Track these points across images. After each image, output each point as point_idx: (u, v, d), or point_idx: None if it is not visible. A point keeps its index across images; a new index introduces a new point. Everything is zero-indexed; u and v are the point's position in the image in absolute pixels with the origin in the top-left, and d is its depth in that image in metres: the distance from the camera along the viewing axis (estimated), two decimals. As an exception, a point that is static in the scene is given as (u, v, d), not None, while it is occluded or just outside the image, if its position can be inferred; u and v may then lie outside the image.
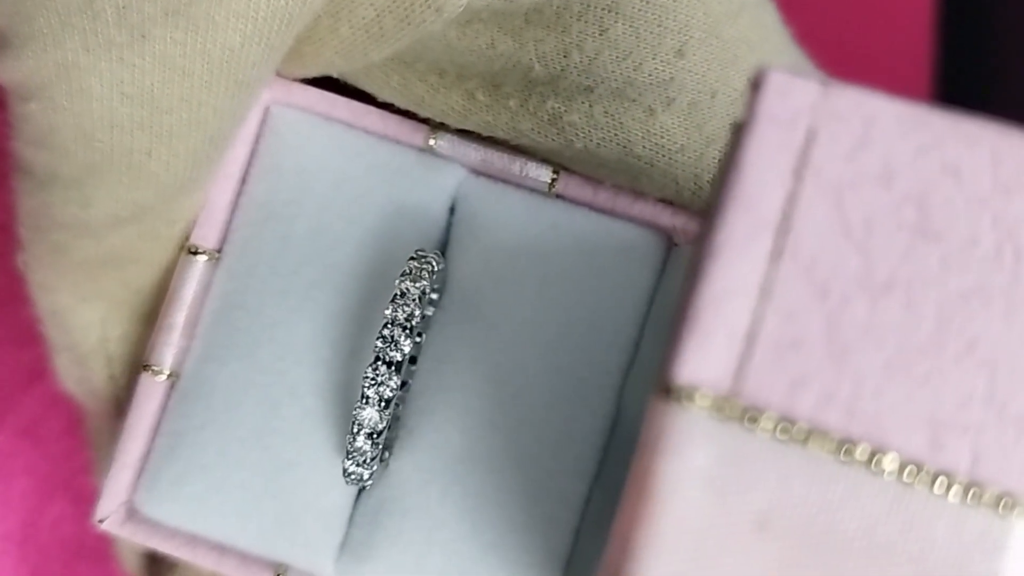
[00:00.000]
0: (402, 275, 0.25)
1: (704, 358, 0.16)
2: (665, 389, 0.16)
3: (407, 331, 0.24)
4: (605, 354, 0.26)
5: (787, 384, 0.16)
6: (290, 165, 0.27)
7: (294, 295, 0.26)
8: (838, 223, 0.16)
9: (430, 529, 0.26)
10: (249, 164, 0.27)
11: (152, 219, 0.26)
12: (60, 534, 0.33)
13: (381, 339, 0.24)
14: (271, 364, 0.26)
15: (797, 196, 0.16)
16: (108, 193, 0.25)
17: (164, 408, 0.27)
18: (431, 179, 0.27)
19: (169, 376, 0.27)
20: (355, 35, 0.25)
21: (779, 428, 0.16)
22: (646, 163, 0.26)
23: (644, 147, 0.25)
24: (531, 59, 0.25)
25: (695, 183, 0.26)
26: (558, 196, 0.27)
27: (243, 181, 0.27)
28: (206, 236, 0.27)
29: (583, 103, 0.25)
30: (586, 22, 0.25)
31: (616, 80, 0.25)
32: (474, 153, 0.27)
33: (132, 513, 0.27)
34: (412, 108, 0.27)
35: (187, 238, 0.27)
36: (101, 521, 0.27)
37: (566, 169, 0.27)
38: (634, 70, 0.25)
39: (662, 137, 0.25)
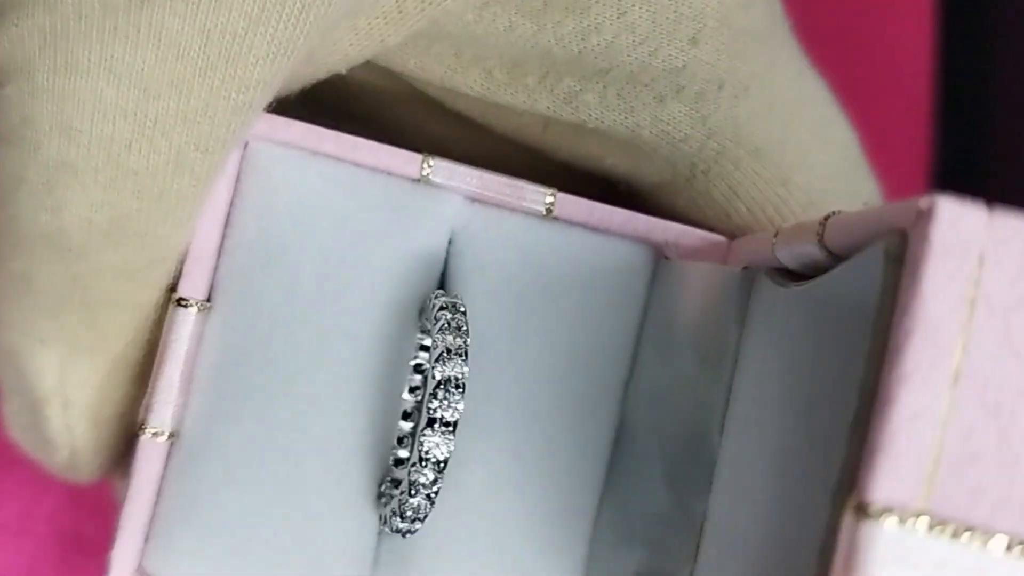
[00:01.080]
0: (440, 329, 0.24)
1: (896, 479, 0.17)
2: (858, 507, 0.17)
3: (461, 390, 0.24)
4: (606, 369, 0.27)
5: (966, 495, 0.17)
6: (283, 206, 0.26)
7: (307, 346, 0.25)
8: (1006, 344, 0.17)
9: (459, 561, 0.26)
10: (232, 206, 0.26)
11: (130, 244, 0.24)
12: (57, 526, 0.32)
13: (434, 399, 0.24)
14: (291, 419, 0.25)
15: (971, 321, 0.17)
16: (82, 195, 0.23)
17: (167, 469, 0.26)
18: (429, 210, 0.26)
19: (170, 436, 0.26)
20: (373, 24, 0.24)
21: (961, 535, 0.17)
22: (650, 148, 0.26)
23: (651, 132, 0.26)
24: (550, 41, 0.25)
25: (690, 171, 0.26)
26: (554, 218, 0.27)
27: (228, 224, 0.26)
28: (195, 286, 0.26)
29: (598, 84, 0.25)
30: (605, 5, 0.25)
31: (631, 64, 0.25)
32: (469, 179, 0.27)
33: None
34: (430, 91, 0.27)
35: (167, 287, 0.25)
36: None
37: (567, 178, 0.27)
38: (649, 55, 0.25)
39: (668, 124, 0.26)
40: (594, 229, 0.27)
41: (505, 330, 0.27)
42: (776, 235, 0.24)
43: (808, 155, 0.27)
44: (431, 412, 0.24)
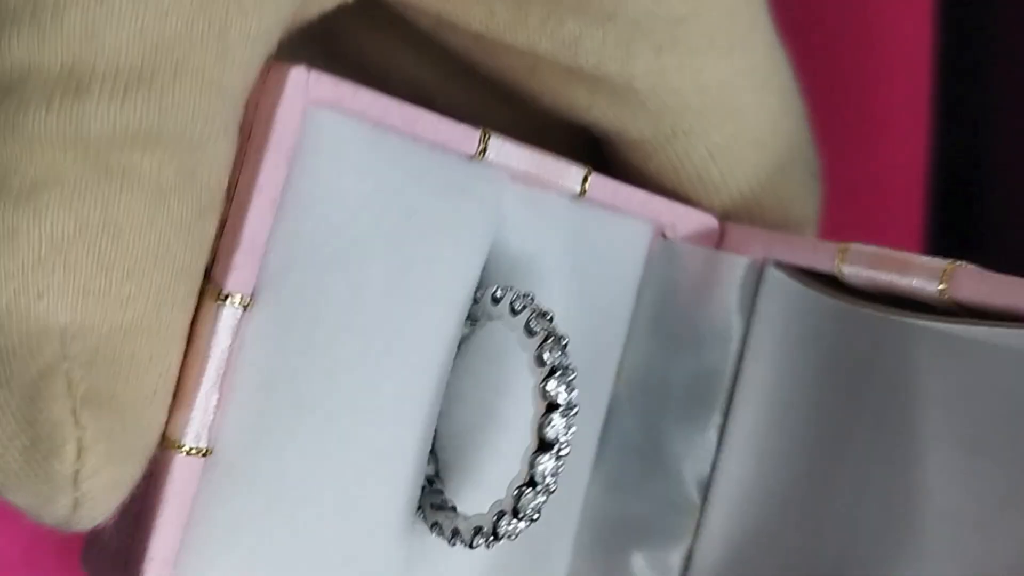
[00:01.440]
0: (543, 343, 0.23)
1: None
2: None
3: (577, 408, 0.23)
4: (604, 345, 0.27)
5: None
6: (349, 190, 0.22)
7: (375, 354, 0.23)
8: None
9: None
10: (289, 186, 0.22)
11: (156, 105, 0.20)
12: None
13: (565, 427, 0.22)
14: (354, 431, 0.23)
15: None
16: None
17: (200, 492, 0.22)
18: (486, 195, 0.24)
19: (205, 453, 0.22)
20: None
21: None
22: (639, 101, 0.26)
23: (643, 83, 0.26)
24: None
25: (671, 130, 0.27)
26: (584, 197, 0.26)
27: (281, 208, 0.22)
28: (242, 280, 0.22)
29: (599, 29, 0.25)
30: None
31: (637, 11, 0.25)
32: (520, 157, 0.25)
33: None
34: (422, 21, 0.25)
35: (213, 212, 0.22)
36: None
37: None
38: (655, 3, 0.25)
39: (661, 76, 0.26)
40: (611, 207, 0.26)
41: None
42: (844, 252, 0.25)
43: (779, 122, 0.28)
44: (559, 436, 0.22)
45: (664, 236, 0.27)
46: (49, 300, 0.20)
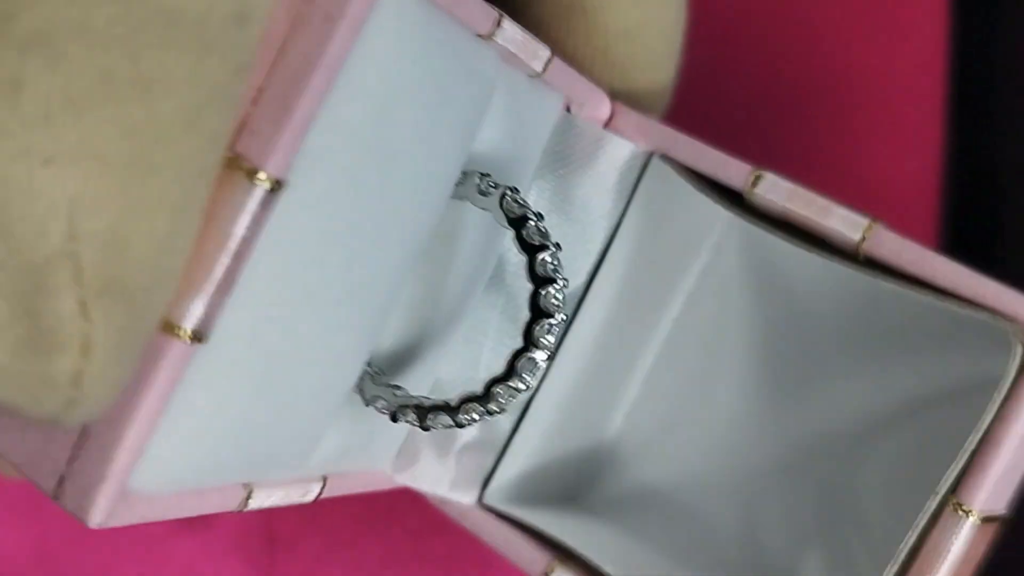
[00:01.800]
0: (528, 227, 0.23)
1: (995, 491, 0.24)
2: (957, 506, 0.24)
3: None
4: (582, 251, 0.28)
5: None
6: (401, 73, 0.20)
7: (385, 244, 0.21)
8: None
9: None
10: (347, 64, 0.19)
11: None
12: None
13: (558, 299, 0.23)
14: (347, 318, 0.22)
15: None
16: None
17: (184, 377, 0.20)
18: (488, 77, 0.23)
19: (201, 340, 0.20)
20: None
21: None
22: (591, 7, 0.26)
23: None
24: None
25: (625, 43, 0.27)
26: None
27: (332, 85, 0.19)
28: (281, 162, 0.19)
29: None
30: None
31: None
32: (513, 37, 0.24)
33: (125, 496, 0.20)
34: None
35: (248, 72, 0.18)
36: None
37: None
38: None
39: None
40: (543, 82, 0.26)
41: None
42: (760, 177, 0.27)
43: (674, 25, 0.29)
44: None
45: (568, 110, 0.28)
46: (59, 167, 0.17)
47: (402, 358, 0.25)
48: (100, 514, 0.20)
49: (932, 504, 0.24)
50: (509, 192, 0.24)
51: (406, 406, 0.24)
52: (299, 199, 0.20)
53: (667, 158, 0.28)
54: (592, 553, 0.28)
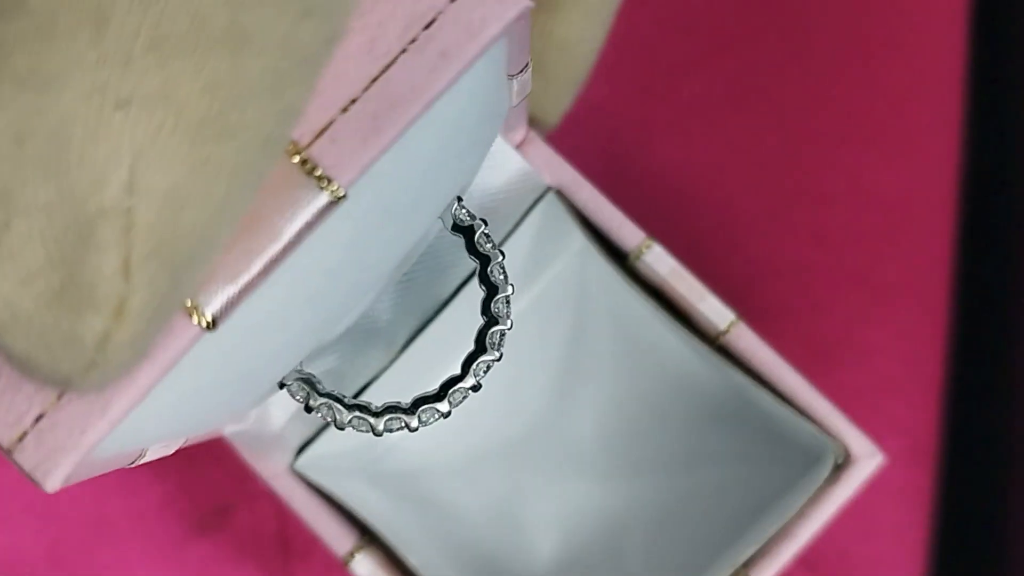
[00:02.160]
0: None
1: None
2: None
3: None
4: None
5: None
6: (475, 80, 0.20)
7: (396, 245, 0.21)
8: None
9: None
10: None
11: None
12: (81, 507, 0.31)
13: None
14: (336, 308, 0.21)
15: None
16: None
17: None
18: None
19: (209, 326, 0.19)
20: None
21: None
22: None
23: None
24: None
25: (559, 53, 0.27)
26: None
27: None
28: (350, 177, 0.19)
29: None
30: None
31: None
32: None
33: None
34: None
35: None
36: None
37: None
38: None
39: None
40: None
41: None
42: (650, 247, 0.29)
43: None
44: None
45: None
46: (131, 113, 0.16)
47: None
48: (59, 481, 0.19)
49: (726, 572, 0.28)
50: (458, 203, 0.25)
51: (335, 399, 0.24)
52: (343, 212, 0.20)
53: (563, 196, 0.30)
54: (397, 540, 0.29)
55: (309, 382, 0.25)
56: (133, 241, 0.16)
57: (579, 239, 0.30)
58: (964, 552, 0.36)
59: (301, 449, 0.30)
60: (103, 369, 0.17)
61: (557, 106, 0.30)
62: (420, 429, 0.25)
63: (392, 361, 0.30)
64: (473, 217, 0.25)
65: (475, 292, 0.28)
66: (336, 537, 0.29)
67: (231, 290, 0.19)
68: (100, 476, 0.30)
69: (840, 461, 0.28)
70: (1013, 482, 0.35)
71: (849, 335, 0.34)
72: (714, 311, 0.29)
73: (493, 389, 0.30)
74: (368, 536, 0.29)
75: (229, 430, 0.28)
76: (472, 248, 0.25)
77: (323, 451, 0.30)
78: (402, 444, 0.32)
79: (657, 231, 0.29)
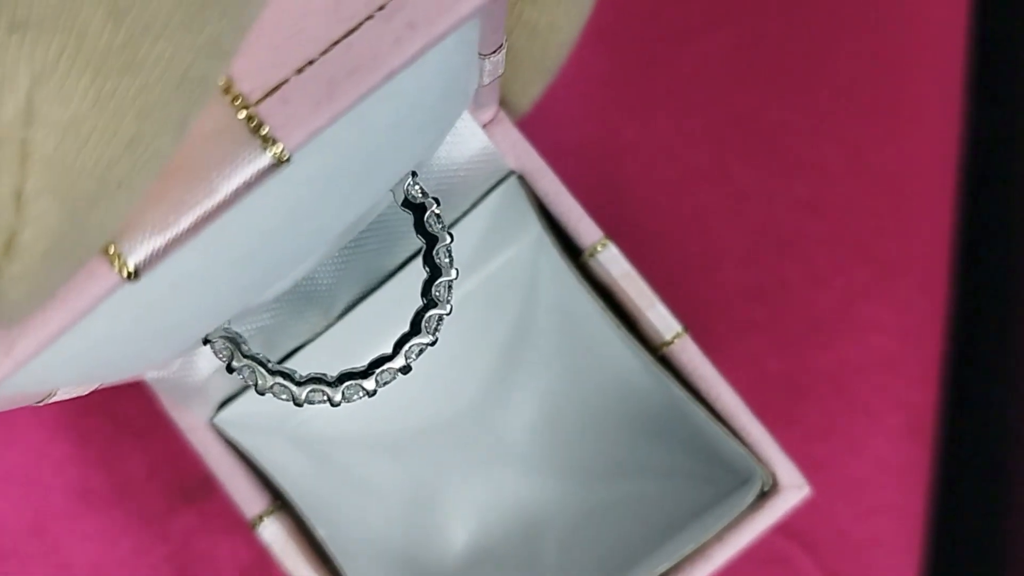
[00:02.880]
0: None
1: None
2: None
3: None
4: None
5: None
6: (434, 81, 0.19)
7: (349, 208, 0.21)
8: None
9: None
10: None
11: None
12: (64, 477, 0.31)
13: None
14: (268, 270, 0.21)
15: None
16: None
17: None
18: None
19: (130, 276, 0.18)
20: None
21: None
22: None
23: None
24: None
25: (527, 38, 0.27)
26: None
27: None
28: (297, 141, 0.18)
29: None
30: None
31: None
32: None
33: None
34: None
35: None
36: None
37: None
38: None
39: None
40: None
41: None
42: (605, 246, 0.28)
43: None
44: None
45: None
46: (28, 35, 0.15)
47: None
48: None
49: None
50: (412, 177, 0.24)
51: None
52: (285, 177, 0.19)
53: (524, 182, 0.29)
54: (309, 509, 0.28)
55: (234, 341, 0.24)
56: (28, 172, 0.15)
57: (535, 228, 0.29)
58: (963, 531, 0.35)
59: (224, 403, 0.29)
60: (13, 290, 0.16)
61: (527, 92, 0.29)
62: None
63: (327, 328, 0.29)
64: (426, 195, 0.24)
65: (421, 269, 0.28)
66: (247, 499, 0.28)
67: (158, 241, 0.18)
68: (83, 446, 0.29)
69: (767, 488, 0.27)
70: (1012, 460, 0.34)
71: (848, 310, 0.33)
72: (662, 320, 0.28)
73: (428, 368, 0.29)
74: (281, 501, 0.28)
75: (150, 375, 0.27)
76: (420, 227, 0.24)
77: (245, 409, 0.29)
78: (328, 411, 0.31)
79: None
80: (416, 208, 0.24)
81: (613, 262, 0.28)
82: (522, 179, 0.29)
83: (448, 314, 0.24)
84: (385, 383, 0.24)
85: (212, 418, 0.29)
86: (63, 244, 0.16)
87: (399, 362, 0.24)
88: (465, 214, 0.29)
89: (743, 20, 0.34)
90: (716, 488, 0.29)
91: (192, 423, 0.29)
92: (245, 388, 0.29)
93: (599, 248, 0.28)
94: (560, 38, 0.27)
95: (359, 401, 0.29)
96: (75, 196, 0.16)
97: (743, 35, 0.34)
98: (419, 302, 0.28)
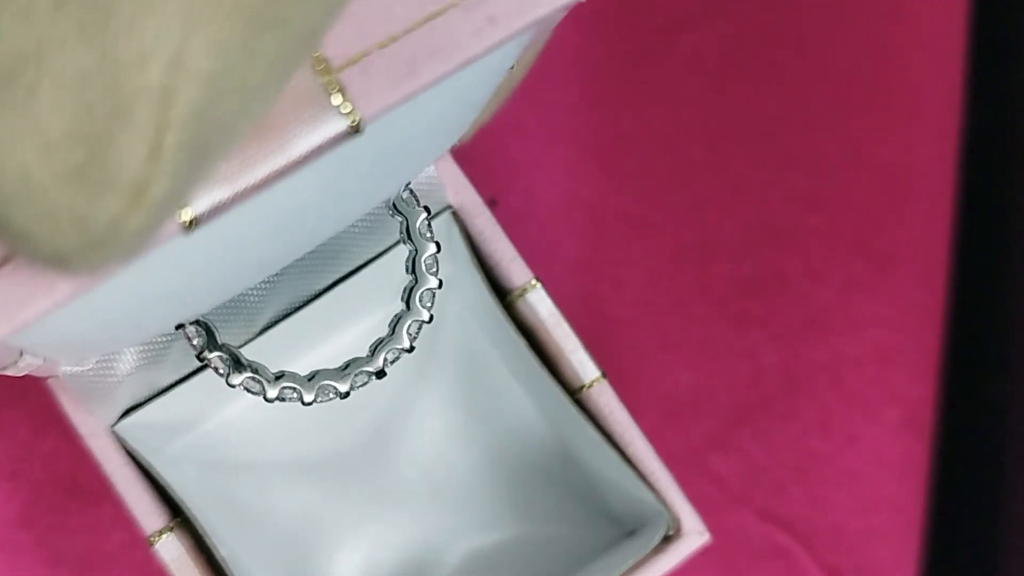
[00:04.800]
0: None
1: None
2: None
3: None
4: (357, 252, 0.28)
5: None
6: (484, 80, 0.20)
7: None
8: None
9: None
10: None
11: None
12: (53, 469, 0.31)
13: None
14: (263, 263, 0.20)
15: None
16: None
17: None
18: None
19: (189, 225, 0.18)
20: None
21: None
22: None
23: None
24: None
25: None
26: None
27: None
28: (372, 113, 0.18)
29: None
30: None
31: None
32: None
33: None
34: None
35: None
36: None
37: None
38: None
39: None
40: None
41: None
42: (533, 287, 0.29)
43: None
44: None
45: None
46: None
47: None
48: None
49: None
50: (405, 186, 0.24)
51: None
52: (359, 145, 0.19)
53: (458, 218, 0.29)
54: (210, 528, 0.27)
55: (208, 330, 0.23)
56: (169, 125, 0.15)
57: (465, 264, 0.29)
58: (960, 524, 0.35)
59: (128, 411, 0.27)
60: (106, 255, 0.16)
61: (483, 116, 0.30)
62: (276, 406, 0.24)
63: (246, 342, 0.28)
64: (417, 202, 0.24)
65: (345, 293, 0.28)
66: (146, 513, 0.27)
67: (223, 193, 0.18)
68: (72, 440, 0.27)
69: (671, 533, 0.29)
70: (1010, 454, 0.34)
71: (846, 304, 0.33)
72: (582, 365, 0.29)
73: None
74: (180, 518, 0.27)
75: (64, 370, 0.26)
76: (408, 234, 0.24)
77: (150, 419, 0.28)
78: (233, 429, 0.30)
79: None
80: (407, 215, 0.24)
81: (540, 303, 0.29)
82: (455, 215, 0.29)
83: (428, 322, 0.24)
84: (359, 387, 0.24)
85: (113, 424, 0.27)
86: (181, 194, 0.16)
87: (375, 364, 0.24)
88: (397, 243, 0.29)
89: (740, 11, 0.34)
90: (621, 529, 0.29)
91: (92, 428, 0.27)
92: (152, 397, 0.28)
93: (529, 288, 0.29)
94: (518, 72, 0.28)
95: (265, 423, 0.29)
96: (205, 151, 0.16)
97: (740, 26, 0.34)
98: (340, 325, 0.28)
